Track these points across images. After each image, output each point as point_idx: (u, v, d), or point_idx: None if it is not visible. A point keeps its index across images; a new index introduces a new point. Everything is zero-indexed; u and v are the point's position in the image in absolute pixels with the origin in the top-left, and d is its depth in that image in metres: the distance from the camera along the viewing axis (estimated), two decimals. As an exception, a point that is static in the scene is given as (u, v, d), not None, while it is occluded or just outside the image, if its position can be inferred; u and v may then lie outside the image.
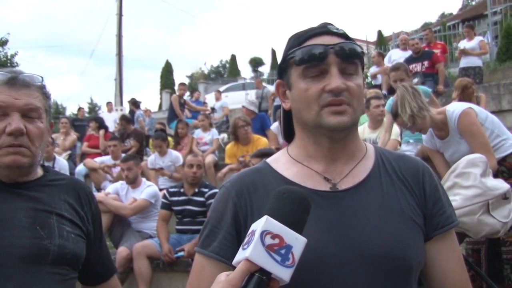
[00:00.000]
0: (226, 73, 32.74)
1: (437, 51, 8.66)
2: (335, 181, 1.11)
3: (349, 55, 1.08)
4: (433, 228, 1.13)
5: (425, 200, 1.14)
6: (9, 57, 19.67)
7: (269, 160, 1.22)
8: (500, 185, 2.78)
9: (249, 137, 6.33)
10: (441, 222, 1.14)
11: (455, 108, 3.29)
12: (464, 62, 8.98)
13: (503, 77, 10.18)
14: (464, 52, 8.89)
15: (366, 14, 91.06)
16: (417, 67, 7.79)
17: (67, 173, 7.15)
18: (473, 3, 31.63)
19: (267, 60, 36.61)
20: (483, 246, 3.33)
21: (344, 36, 1.12)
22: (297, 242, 0.85)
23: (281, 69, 1.17)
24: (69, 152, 8.85)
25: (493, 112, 6.01)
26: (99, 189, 6.81)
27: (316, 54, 1.07)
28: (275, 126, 7.48)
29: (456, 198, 2.74)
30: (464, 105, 3.35)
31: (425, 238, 1.13)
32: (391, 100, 5.41)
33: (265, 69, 34.91)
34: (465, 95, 6.05)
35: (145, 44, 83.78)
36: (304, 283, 0.98)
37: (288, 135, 1.24)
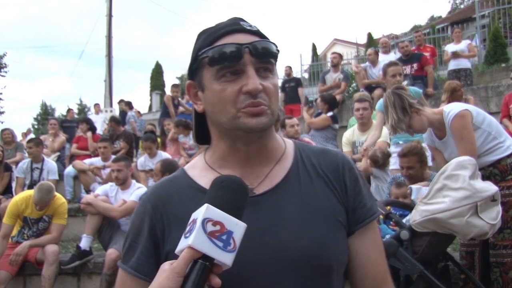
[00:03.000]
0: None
1: (426, 54, 8.73)
2: (252, 185, 1.08)
3: (264, 54, 1.04)
4: (355, 222, 1.12)
5: (346, 195, 1.12)
6: (-3, 57, 19.51)
7: (186, 167, 1.19)
8: (489, 187, 2.80)
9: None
10: (362, 215, 1.12)
11: (451, 109, 3.27)
12: (454, 64, 9.07)
13: (491, 79, 10.29)
14: (456, 55, 8.97)
15: (356, 16, 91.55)
16: (406, 69, 7.84)
17: (56, 175, 7.11)
18: (462, 6, 31.97)
19: (258, 62, 36.61)
20: (477, 249, 3.34)
21: (257, 33, 1.08)
22: (238, 227, 0.88)
23: (192, 70, 1.11)
24: (58, 153, 8.79)
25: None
26: (88, 191, 6.76)
27: (230, 54, 1.02)
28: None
29: (445, 200, 2.76)
30: (462, 106, 3.31)
31: (348, 233, 1.11)
32: (382, 100, 5.45)
33: (256, 71, 34.90)
34: (454, 98, 6.10)
35: (135, 45, 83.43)
36: None
37: (203, 138, 1.20)
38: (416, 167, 3.71)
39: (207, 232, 0.85)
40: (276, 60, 1.09)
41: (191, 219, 0.90)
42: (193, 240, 0.85)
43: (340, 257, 1.08)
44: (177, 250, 0.89)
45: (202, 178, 1.13)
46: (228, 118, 1.04)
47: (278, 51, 1.08)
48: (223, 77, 1.04)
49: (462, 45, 9.21)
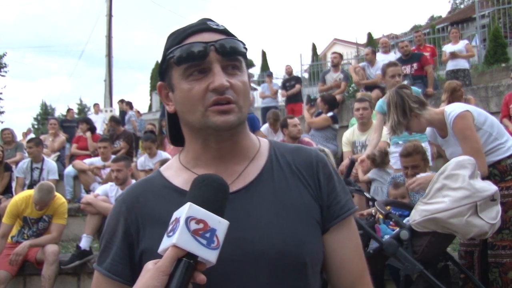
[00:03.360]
0: (217, 74, 32.52)
1: (426, 54, 8.72)
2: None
3: (231, 52, 1.05)
4: (329, 219, 1.12)
5: (320, 191, 1.12)
6: (-3, 57, 19.52)
7: (162, 168, 1.20)
8: (488, 186, 2.80)
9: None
10: (336, 212, 1.12)
11: (452, 109, 3.26)
12: (452, 64, 9.07)
13: (491, 79, 10.29)
14: (454, 55, 8.97)
15: (356, 16, 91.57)
16: (406, 69, 7.84)
17: (56, 174, 7.11)
18: (462, 6, 31.97)
19: (257, 62, 36.59)
20: (477, 249, 3.34)
21: (225, 32, 1.09)
22: (220, 225, 0.89)
23: (162, 71, 1.12)
24: (57, 153, 8.79)
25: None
26: (88, 191, 6.76)
27: (196, 52, 1.03)
28: (265, 128, 7.49)
29: (445, 200, 2.76)
30: (462, 107, 3.30)
31: (322, 230, 1.11)
32: (381, 101, 5.45)
33: (255, 71, 34.86)
34: (454, 98, 6.10)
35: (135, 45, 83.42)
36: None
37: (177, 138, 1.20)
38: (421, 166, 3.70)
39: (191, 230, 0.86)
40: (245, 58, 1.10)
41: (173, 218, 0.91)
42: (177, 238, 0.85)
43: (314, 254, 1.08)
44: (160, 250, 0.89)
45: (176, 178, 1.13)
46: (197, 117, 1.05)
47: (246, 49, 1.09)
48: (190, 76, 1.04)
49: (459, 45, 9.21)
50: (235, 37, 1.09)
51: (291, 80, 10.70)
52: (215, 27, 1.08)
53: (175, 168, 1.17)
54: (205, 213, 0.88)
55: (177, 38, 1.08)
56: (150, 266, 0.88)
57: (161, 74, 1.13)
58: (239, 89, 1.05)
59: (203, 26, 1.08)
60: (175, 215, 0.91)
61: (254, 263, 1.01)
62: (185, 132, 1.15)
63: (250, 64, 40.06)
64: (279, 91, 11.45)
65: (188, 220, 0.86)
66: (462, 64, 9.09)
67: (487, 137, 3.19)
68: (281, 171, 1.13)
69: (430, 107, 3.45)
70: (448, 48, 9.41)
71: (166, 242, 0.89)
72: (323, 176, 1.14)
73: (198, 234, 0.86)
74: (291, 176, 1.13)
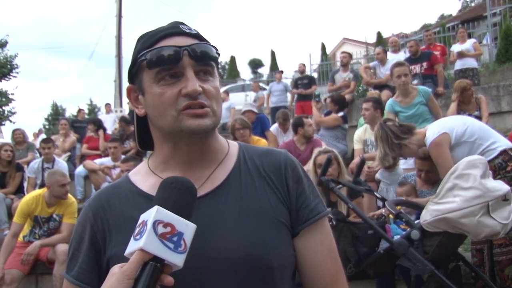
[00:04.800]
0: (226, 74, 32.72)
1: (436, 53, 8.66)
2: None
3: (203, 57, 1.04)
4: (299, 222, 1.10)
5: (289, 195, 1.11)
6: (8, 58, 19.70)
7: (130, 173, 1.19)
8: (500, 186, 2.77)
9: (246, 139, 6.33)
10: (305, 215, 1.11)
11: (429, 134, 3.46)
12: (460, 64, 9.01)
13: (503, 78, 10.19)
14: (461, 54, 8.91)
15: (365, 15, 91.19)
16: (416, 68, 7.79)
17: (67, 174, 7.15)
18: (472, 4, 31.69)
19: (267, 62, 36.60)
20: (486, 246, 3.33)
21: (197, 37, 1.07)
22: (188, 228, 0.88)
23: (132, 73, 1.10)
24: (68, 153, 8.85)
25: (492, 114, 6.04)
26: (98, 191, 6.80)
27: (169, 56, 1.01)
28: (274, 128, 7.48)
29: (456, 200, 2.74)
30: (440, 128, 3.45)
31: (292, 234, 1.10)
32: (391, 100, 5.43)
33: (265, 71, 34.88)
34: (464, 97, 6.06)
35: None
36: None
37: (146, 143, 1.19)
38: (435, 172, 3.69)
39: (158, 234, 0.85)
40: (216, 64, 1.09)
41: (140, 221, 0.90)
42: (144, 242, 0.84)
43: (282, 258, 1.06)
44: (126, 253, 0.89)
45: (143, 183, 1.12)
46: (169, 121, 1.04)
47: (218, 54, 1.09)
48: (162, 80, 1.03)
49: (467, 45, 9.16)
50: (207, 41, 1.08)
51: (303, 79, 10.63)
52: (187, 31, 1.07)
53: (143, 173, 1.16)
54: (173, 217, 0.87)
55: (148, 41, 1.06)
56: (116, 270, 0.87)
57: (131, 77, 1.11)
58: (211, 94, 1.05)
59: (176, 29, 1.07)
60: (142, 217, 0.90)
61: (219, 269, 1.01)
62: (154, 136, 1.14)
63: (258, 64, 40.14)
64: (288, 94, 11.47)
65: (155, 223, 0.86)
66: (470, 63, 9.02)
67: (470, 146, 3.33)
68: (249, 175, 1.12)
69: (417, 130, 3.63)
70: (455, 47, 9.37)
71: (133, 246, 0.88)
72: (292, 179, 1.13)
73: (165, 237, 0.86)
74: (259, 180, 1.12)
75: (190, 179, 0.98)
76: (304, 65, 11.52)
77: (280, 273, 1.06)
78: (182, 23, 1.10)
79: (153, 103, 1.05)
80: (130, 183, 1.14)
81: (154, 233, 0.85)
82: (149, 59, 1.03)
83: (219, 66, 1.15)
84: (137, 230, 0.89)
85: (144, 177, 1.14)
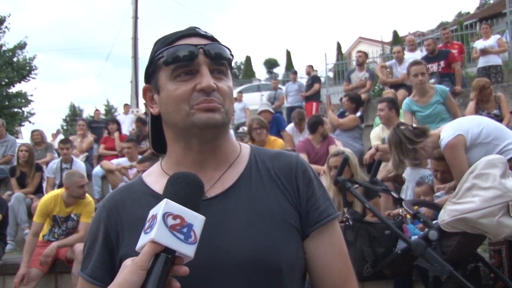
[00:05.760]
0: (241, 74, 32.77)
1: (454, 51, 8.54)
2: (205, 189, 1.07)
3: (218, 56, 1.07)
4: (308, 225, 1.11)
5: (299, 198, 1.12)
6: (27, 60, 20.00)
7: (144, 174, 1.21)
8: (520, 186, 2.73)
9: (263, 139, 6.34)
10: (315, 218, 1.11)
11: (444, 136, 3.40)
12: (484, 61, 8.83)
13: (522, 76, 10.01)
14: (485, 51, 8.75)
15: (381, 14, 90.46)
16: (433, 67, 7.70)
17: (85, 175, 7.25)
18: (491, 1, 31.20)
19: (282, 62, 36.55)
20: (504, 246, 3.30)
21: (212, 39, 1.11)
22: (197, 220, 0.90)
23: (149, 73, 1.14)
24: (86, 154, 8.95)
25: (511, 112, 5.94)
26: (115, 191, 6.86)
27: (186, 53, 1.05)
28: (290, 127, 7.46)
29: (475, 200, 2.71)
30: (455, 130, 3.39)
31: (302, 236, 1.11)
32: (408, 99, 5.38)
33: (280, 71, 34.81)
34: (483, 96, 5.96)
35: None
36: None
37: (160, 147, 1.20)
38: (450, 171, 3.66)
39: (168, 225, 0.87)
40: (230, 65, 1.12)
41: (149, 215, 0.92)
42: (155, 234, 0.86)
43: (291, 260, 1.07)
44: (138, 247, 0.90)
45: (156, 184, 1.14)
46: (182, 116, 1.06)
47: (232, 56, 1.12)
48: (178, 77, 1.06)
49: (491, 41, 8.94)
50: (222, 43, 1.12)
51: (308, 80, 10.82)
52: (203, 33, 1.11)
53: (156, 174, 1.18)
54: (182, 209, 0.89)
55: (165, 42, 1.10)
56: (128, 263, 0.89)
57: (147, 77, 1.15)
58: (224, 92, 1.08)
59: (192, 31, 1.11)
60: (152, 212, 0.92)
61: (228, 271, 1.02)
62: (168, 137, 1.16)
63: (274, 64, 40.19)
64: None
65: (165, 216, 0.88)
66: (494, 60, 8.83)
67: (487, 148, 3.26)
68: (260, 177, 1.14)
69: (431, 131, 3.57)
70: (479, 44, 9.14)
71: (143, 239, 0.89)
72: (303, 182, 1.14)
73: (175, 229, 0.87)
74: (269, 182, 1.13)
75: (202, 180, 1.00)
76: (310, 66, 11.54)
77: (289, 275, 1.07)
78: (198, 28, 1.13)
79: (167, 99, 1.08)
80: (143, 184, 1.17)
81: (164, 225, 0.87)
82: (166, 56, 1.06)
83: (235, 66, 1.18)
84: (147, 224, 0.91)
85: (157, 178, 1.16)
